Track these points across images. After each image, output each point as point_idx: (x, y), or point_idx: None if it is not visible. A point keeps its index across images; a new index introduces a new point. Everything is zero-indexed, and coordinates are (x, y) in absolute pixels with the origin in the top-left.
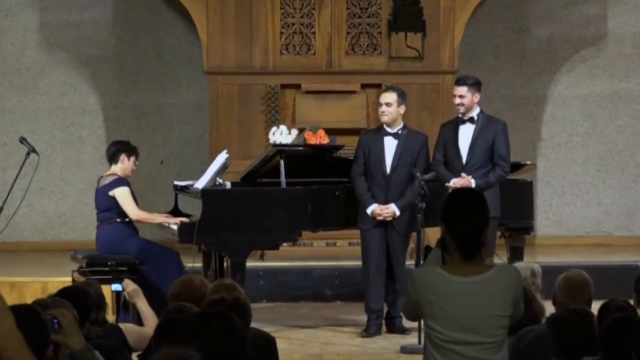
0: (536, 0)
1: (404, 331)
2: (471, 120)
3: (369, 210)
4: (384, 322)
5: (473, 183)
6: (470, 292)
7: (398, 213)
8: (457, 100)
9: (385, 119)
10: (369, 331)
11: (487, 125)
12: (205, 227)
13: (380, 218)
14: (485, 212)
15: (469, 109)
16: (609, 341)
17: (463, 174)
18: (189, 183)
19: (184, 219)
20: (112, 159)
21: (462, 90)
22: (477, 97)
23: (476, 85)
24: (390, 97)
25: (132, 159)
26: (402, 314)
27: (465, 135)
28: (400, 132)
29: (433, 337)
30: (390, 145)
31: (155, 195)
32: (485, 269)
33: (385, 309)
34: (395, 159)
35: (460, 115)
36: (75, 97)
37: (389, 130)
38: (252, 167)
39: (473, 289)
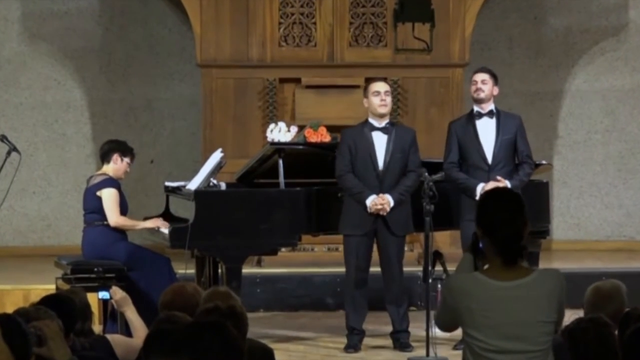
0: None
1: (406, 347)
2: (490, 113)
3: (368, 202)
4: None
5: (509, 185)
6: (514, 297)
7: (392, 203)
8: (479, 85)
9: (384, 110)
10: (348, 349)
11: (507, 120)
12: (199, 230)
13: (378, 207)
14: (524, 213)
15: (488, 99)
16: (630, 352)
17: (498, 177)
18: (180, 184)
19: (166, 223)
20: (104, 157)
21: (484, 76)
22: (495, 90)
23: (496, 77)
24: (387, 87)
25: (126, 160)
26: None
27: (486, 130)
28: (388, 126)
29: (473, 346)
30: (380, 141)
31: (144, 196)
32: (526, 272)
33: (388, 318)
34: (387, 155)
35: (476, 109)
36: (59, 92)
37: (375, 124)
38: (248, 167)
39: (516, 293)
